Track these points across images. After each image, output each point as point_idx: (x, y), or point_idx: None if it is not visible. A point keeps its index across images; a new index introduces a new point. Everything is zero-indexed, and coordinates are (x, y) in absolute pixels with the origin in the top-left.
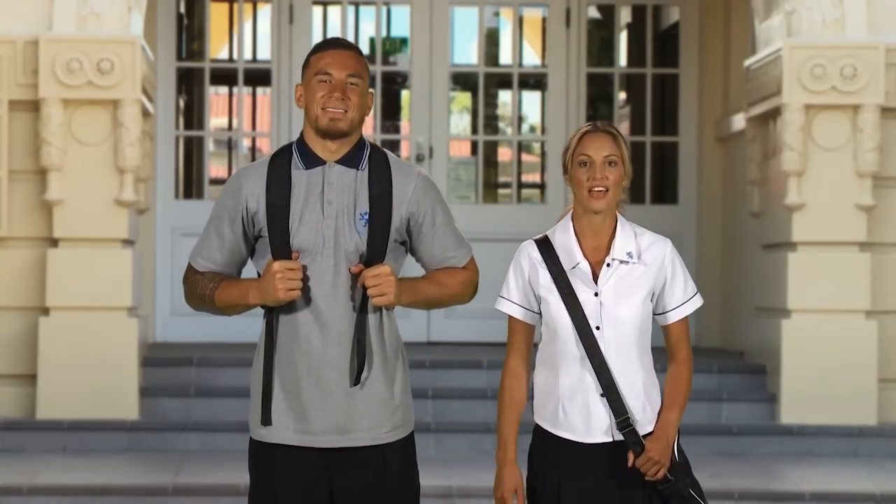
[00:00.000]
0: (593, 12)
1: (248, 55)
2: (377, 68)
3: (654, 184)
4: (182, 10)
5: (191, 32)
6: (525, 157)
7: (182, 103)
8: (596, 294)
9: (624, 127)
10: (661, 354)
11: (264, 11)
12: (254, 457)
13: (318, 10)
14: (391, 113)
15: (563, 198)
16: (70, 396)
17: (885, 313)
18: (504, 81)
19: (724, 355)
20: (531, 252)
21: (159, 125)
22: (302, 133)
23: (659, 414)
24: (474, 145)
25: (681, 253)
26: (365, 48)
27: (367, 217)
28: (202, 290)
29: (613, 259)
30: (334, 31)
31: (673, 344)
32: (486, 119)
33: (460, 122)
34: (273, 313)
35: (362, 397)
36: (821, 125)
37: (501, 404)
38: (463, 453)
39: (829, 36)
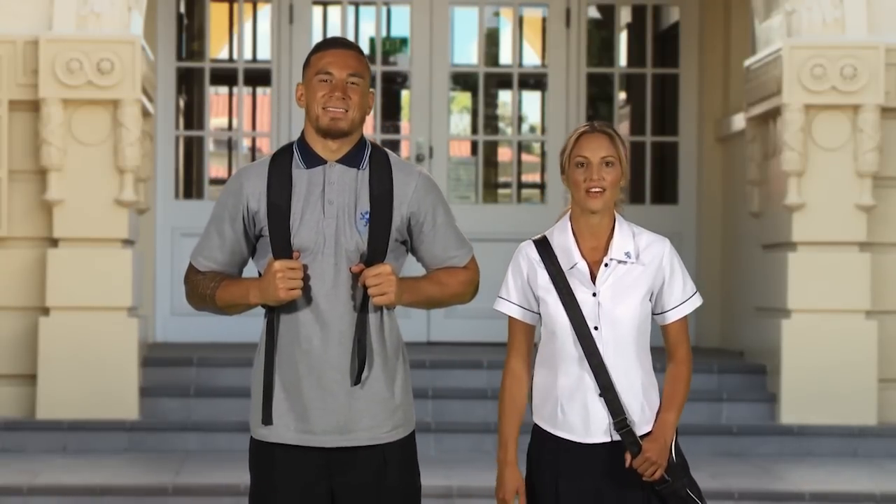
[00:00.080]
0: (593, 12)
1: (248, 55)
2: (377, 68)
3: (654, 184)
4: (182, 10)
5: (191, 32)
6: (525, 157)
7: (182, 103)
8: (594, 294)
9: (624, 127)
10: (661, 354)
11: (264, 11)
12: (254, 456)
13: (318, 10)
14: (391, 113)
15: (562, 198)
16: (70, 396)
17: (885, 313)
18: (504, 81)
19: (724, 355)
20: (529, 252)
21: (159, 125)
22: (303, 132)
23: (657, 414)
24: (474, 145)
25: (681, 253)
26: (365, 48)
27: (367, 216)
28: (203, 290)
29: (611, 259)
30: (334, 31)
31: (672, 344)
32: (486, 119)
33: (460, 122)
34: (274, 313)
35: (363, 397)
36: (821, 125)
37: (502, 405)
38: (463, 453)
39: (829, 36)
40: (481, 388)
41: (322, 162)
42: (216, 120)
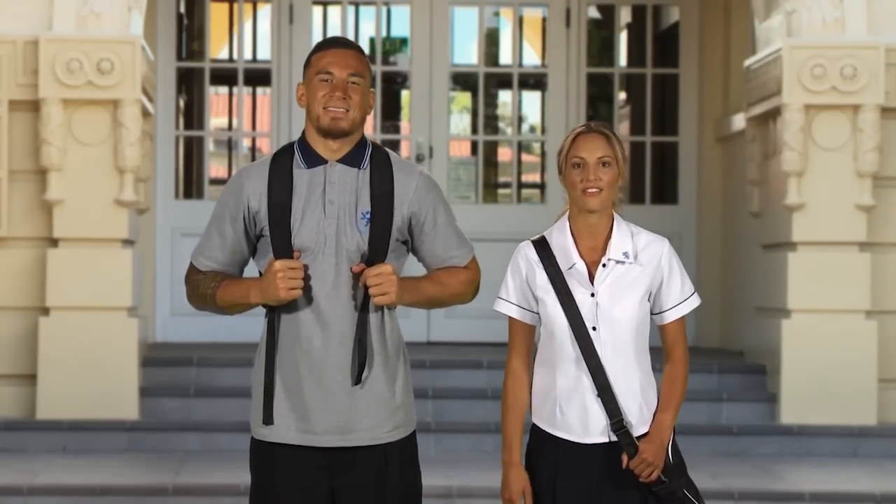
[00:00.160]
0: (593, 12)
1: (248, 55)
2: (377, 68)
3: (654, 184)
4: (182, 10)
5: (191, 32)
6: (525, 157)
7: (182, 103)
8: (592, 294)
9: (624, 127)
10: (660, 354)
11: (264, 11)
12: (255, 456)
13: (318, 10)
14: (391, 113)
15: (562, 198)
16: (70, 396)
17: (885, 313)
18: (504, 81)
19: (724, 355)
20: (528, 253)
21: (159, 125)
22: (303, 132)
23: (654, 415)
24: (474, 145)
25: (681, 253)
26: (365, 48)
27: (368, 216)
28: (204, 290)
29: (609, 259)
30: (334, 31)
31: (669, 344)
32: (486, 119)
33: (460, 122)
34: (274, 313)
35: (364, 397)
36: (821, 125)
37: (505, 406)
38: (463, 453)
39: (829, 36)
40: (481, 388)
41: (323, 162)
42: (216, 120)
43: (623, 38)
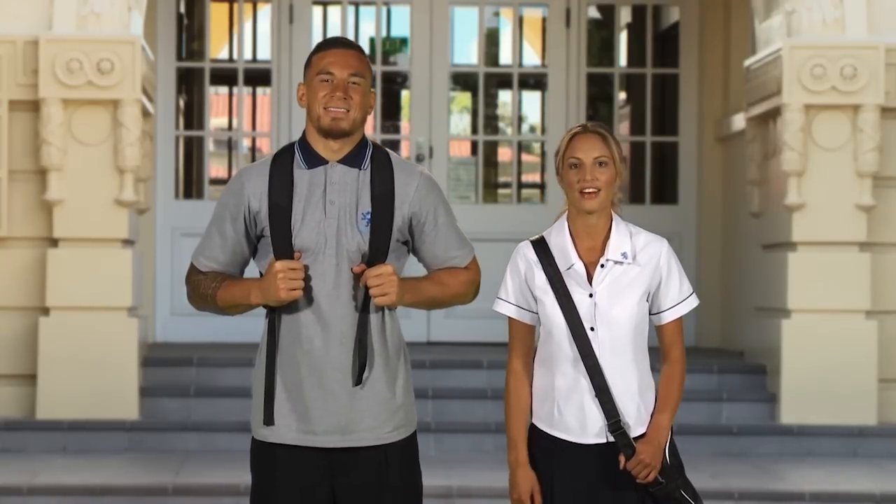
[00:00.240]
0: (593, 12)
1: (248, 55)
2: (377, 68)
3: (654, 184)
4: (182, 10)
5: (191, 32)
6: (525, 157)
7: (182, 103)
8: (591, 295)
9: (624, 127)
10: (658, 355)
11: (264, 11)
12: (256, 457)
13: (318, 10)
14: (391, 113)
15: (562, 198)
16: (70, 396)
17: (885, 313)
18: (504, 81)
19: (724, 355)
20: (527, 253)
21: (159, 125)
22: (304, 132)
23: (651, 416)
24: (474, 145)
25: (681, 253)
26: (365, 48)
27: (369, 217)
28: (205, 290)
29: (608, 260)
30: (334, 31)
31: (666, 344)
32: (486, 119)
33: (460, 122)
34: (275, 313)
35: (364, 397)
36: (821, 125)
37: (507, 406)
38: (463, 453)
39: (829, 36)
40: (481, 388)
41: (323, 162)
42: (216, 120)
43: (623, 38)
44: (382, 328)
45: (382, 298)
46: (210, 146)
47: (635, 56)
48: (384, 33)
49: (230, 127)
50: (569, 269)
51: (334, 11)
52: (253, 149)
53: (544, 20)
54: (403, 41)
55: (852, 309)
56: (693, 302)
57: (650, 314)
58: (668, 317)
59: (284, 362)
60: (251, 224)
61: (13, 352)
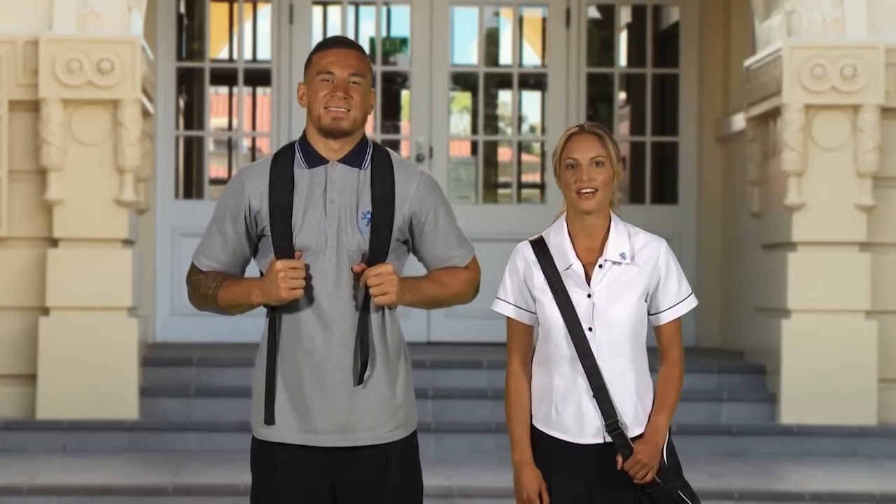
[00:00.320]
0: (593, 12)
1: (248, 55)
2: (377, 68)
3: (654, 184)
4: (182, 10)
5: (191, 32)
6: (525, 157)
7: (182, 103)
8: (589, 295)
9: (624, 127)
10: (657, 355)
11: (264, 11)
12: (256, 456)
13: (318, 10)
14: (391, 113)
15: (562, 198)
16: (70, 396)
17: (885, 313)
18: (504, 81)
19: (724, 355)
20: (526, 253)
21: (159, 125)
22: (304, 132)
23: (649, 416)
24: (474, 145)
25: (681, 253)
26: (365, 48)
27: (369, 216)
28: (205, 290)
29: (606, 260)
30: (334, 31)
31: (665, 345)
32: (486, 119)
33: (460, 122)
34: (276, 312)
35: (365, 396)
36: (821, 125)
37: (508, 406)
38: (463, 453)
39: (829, 36)
40: (481, 388)
41: (324, 161)
42: (216, 120)
43: (623, 38)
44: (383, 328)
45: (383, 298)
46: (210, 146)
47: (635, 56)
48: (384, 33)
49: (230, 127)
50: (567, 269)
51: (334, 11)
52: (253, 149)
53: (544, 20)
54: (403, 41)
55: (852, 309)
56: (692, 302)
57: (649, 314)
58: (667, 317)
59: (285, 362)
60: (252, 223)
61: (13, 352)
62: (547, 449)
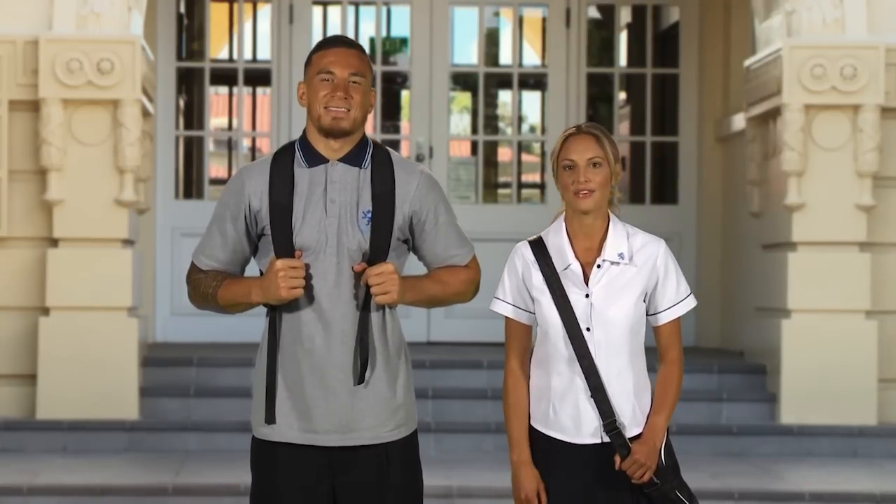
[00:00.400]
0: (593, 12)
1: (248, 55)
2: (377, 68)
3: (654, 184)
4: (182, 10)
5: (191, 32)
6: (525, 157)
7: (182, 103)
8: (587, 295)
9: (624, 127)
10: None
11: (264, 11)
12: (256, 455)
13: (318, 10)
14: (391, 113)
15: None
16: (70, 396)
17: (885, 313)
18: (504, 81)
19: (724, 355)
20: (524, 253)
21: (159, 125)
22: (304, 131)
23: (647, 416)
24: (474, 145)
25: (681, 253)
26: (365, 48)
27: (369, 215)
28: (205, 289)
29: (604, 260)
30: (334, 31)
31: (664, 345)
32: (486, 119)
33: (460, 122)
34: (276, 312)
35: (365, 396)
36: (821, 125)
37: (507, 406)
38: (463, 453)
39: (829, 36)
40: (481, 388)
41: (324, 161)
42: (216, 120)
43: (623, 38)
44: (383, 327)
45: (383, 297)
46: (210, 146)
47: (635, 56)
48: (384, 33)
49: (230, 127)
50: (565, 269)
51: (334, 11)
52: (253, 149)
53: (544, 20)
54: (403, 41)
55: (852, 309)
56: (691, 303)
57: (648, 315)
58: (666, 317)
59: (285, 361)
60: (252, 223)
61: (13, 352)
62: (545, 449)
